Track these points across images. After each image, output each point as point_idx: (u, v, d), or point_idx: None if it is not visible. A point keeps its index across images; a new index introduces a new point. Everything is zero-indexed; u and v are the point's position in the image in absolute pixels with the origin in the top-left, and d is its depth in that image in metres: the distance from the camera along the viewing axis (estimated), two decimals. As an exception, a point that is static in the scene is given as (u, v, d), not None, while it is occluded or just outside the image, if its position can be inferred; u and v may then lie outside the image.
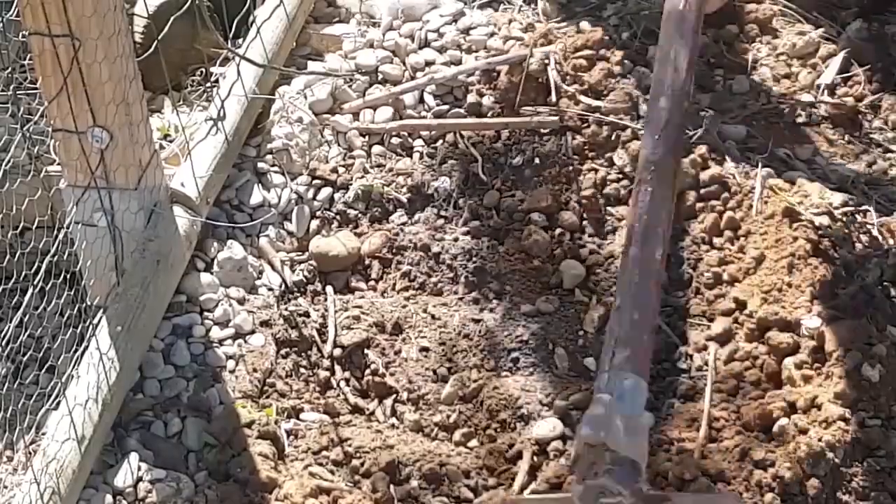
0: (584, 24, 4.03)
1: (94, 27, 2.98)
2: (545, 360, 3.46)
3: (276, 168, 3.77)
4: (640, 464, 2.58)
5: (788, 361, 3.29)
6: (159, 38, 3.35)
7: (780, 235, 3.51)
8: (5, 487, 3.16)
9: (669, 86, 3.15)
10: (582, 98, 3.84)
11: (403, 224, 3.74)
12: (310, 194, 3.76)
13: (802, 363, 3.27)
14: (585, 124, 3.80)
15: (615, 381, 2.69)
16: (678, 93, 3.13)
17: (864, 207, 3.61)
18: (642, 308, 2.80)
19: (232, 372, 3.35)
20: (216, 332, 3.41)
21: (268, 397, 3.34)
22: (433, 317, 3.56)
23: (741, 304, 3.44)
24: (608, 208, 3.74)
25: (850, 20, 4.13)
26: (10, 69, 3.41)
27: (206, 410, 3.26)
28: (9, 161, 2.98)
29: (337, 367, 3.48)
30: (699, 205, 3.66)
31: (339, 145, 3.88)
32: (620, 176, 3.76)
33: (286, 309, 3.51)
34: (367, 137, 3.89)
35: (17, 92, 3.42)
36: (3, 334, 3.03)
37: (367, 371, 3.47)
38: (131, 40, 3.19)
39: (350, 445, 3.28)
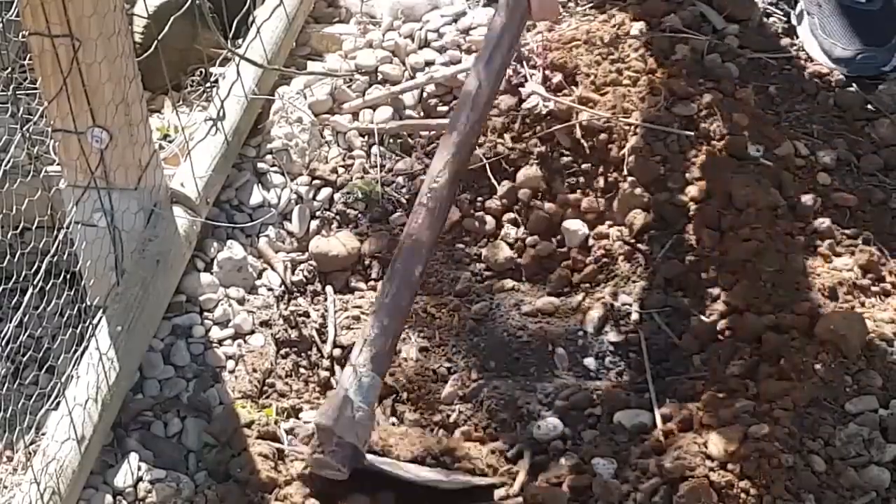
0: (584, 24, 4.03)
1: (94, 27, 2.98)
2: (545, 360, 3.46)
3: (275, 168, 3.77)
4: (360, 448, 3.01)
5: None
6: (159, 38, 3.35)
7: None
8: (5, 487, 3.16)
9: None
10: (581, 98, 3.84)
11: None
12: (310, 194, 3.76)
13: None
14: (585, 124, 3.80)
15: (355, 377, 3.06)
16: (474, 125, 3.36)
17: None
18: (393, 314, 3.14)
19: (232, 372, 3.35)
20: (216, 332, 3.41)
21: (268, 397, 3.34)
22: (433, 317, 3.56)
23: (741, 303, 3.43)
24: (608, 208, 3.74)
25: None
26: (10, 69, 3.41)
27: (206, 410, 3.26)
28: (9, 161, 2.98)
29: (337, 368, 3.48)
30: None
31: (338, 145, 3.88)
32: (620, 176, 3.76)
33: (286, 309, 3.51)
34: (366, 137, 3.89)
35: (17, 92, 3.42)
36: (3, 334, 3.03)
37: (367, 371, 3.46)
38: (131, 40, 3.19)
39: (350, 445, 3.28)
